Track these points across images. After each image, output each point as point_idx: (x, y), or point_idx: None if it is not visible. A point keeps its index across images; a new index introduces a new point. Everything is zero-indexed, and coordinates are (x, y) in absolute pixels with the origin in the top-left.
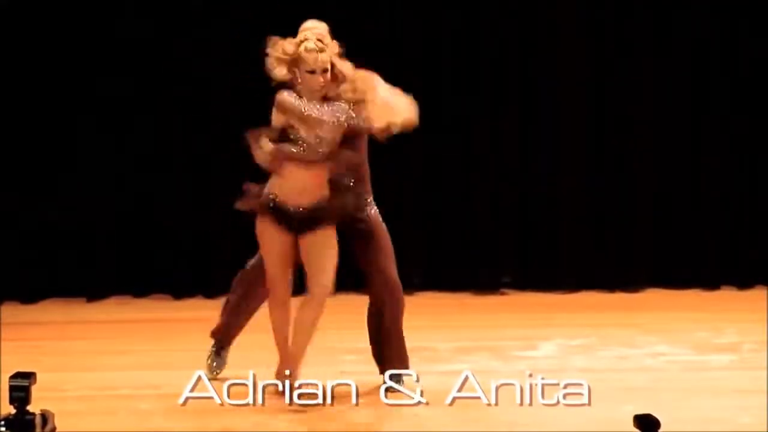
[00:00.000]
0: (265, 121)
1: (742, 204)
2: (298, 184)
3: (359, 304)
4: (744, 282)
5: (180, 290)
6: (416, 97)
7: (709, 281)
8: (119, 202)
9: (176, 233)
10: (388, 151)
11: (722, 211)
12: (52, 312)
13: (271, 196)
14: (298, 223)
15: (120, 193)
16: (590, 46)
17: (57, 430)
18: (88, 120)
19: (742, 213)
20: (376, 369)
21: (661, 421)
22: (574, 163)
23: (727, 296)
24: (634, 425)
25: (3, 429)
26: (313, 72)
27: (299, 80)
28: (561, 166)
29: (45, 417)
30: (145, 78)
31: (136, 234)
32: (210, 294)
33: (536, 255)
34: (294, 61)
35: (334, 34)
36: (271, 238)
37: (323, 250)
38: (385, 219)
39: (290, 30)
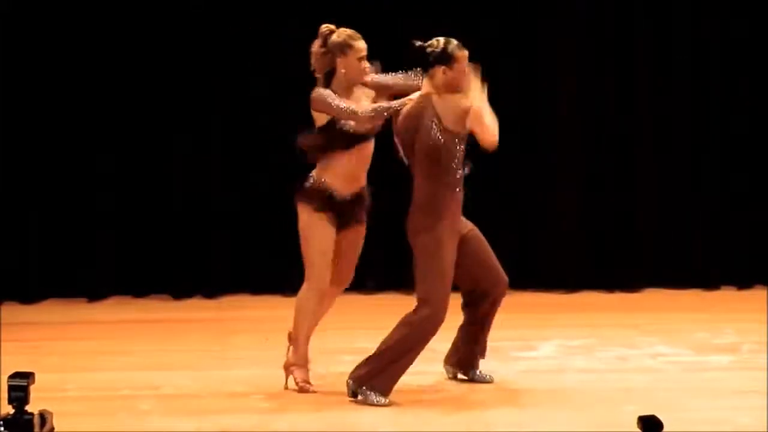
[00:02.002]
0: (258, 124)
1: (742, 204)
2: (347, 172)
3: (357, 305)
4: (743, 282)
5: (179, 290)
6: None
7: (709, 281)
8: (119, 202)
9: (176, 233)
10: (387, 152)
11: (722, 211)
12: (52, 312)
13: (324, 185)
14: (346, 212)
15: (120, 193)
16: (590, 44)
17: (56, 430)
18: (88, 120)
19: (742, 213)
20: None
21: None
22: (573, 163)
23: (726, 296)
24: (638, 426)
25: (2, 429)
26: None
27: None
28: (560, 166)
29: (44, 417)
30: (144, 79)
31: (136, 234)
32: (209, 294)
33: (536, 255)
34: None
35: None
36: (324, 229)
37: (361, 243)
38: (384, 220)
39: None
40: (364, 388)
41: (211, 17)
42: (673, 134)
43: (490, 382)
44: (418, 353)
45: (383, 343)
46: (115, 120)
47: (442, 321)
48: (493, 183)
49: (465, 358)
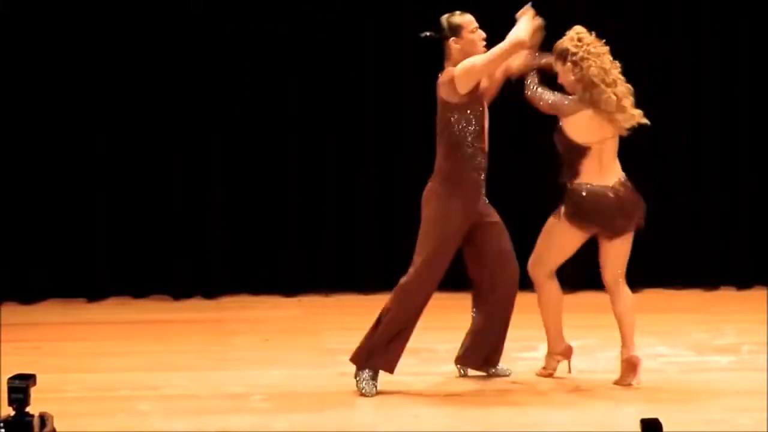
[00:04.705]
0: (258, 124)
1: (742, 204)
2: None
3: (357, 305)
4: (743, 282)
5: (179, 291)
6: (417, 100)
7: (709, 282)
8: (118, 202)
9: (176, 233)
10: (387, 154)
11: (722, 211)
12: (52, 313)
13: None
14: None
15: (119, 193)
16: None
17: (57, 431)
18: (86, 119)
19: (742, 213)
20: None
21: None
22: None
23: (726, 297)
24: (641, 429)
25: (2, 431)
26: None
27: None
28: (560, 165)
29: (44, 419)
30: (144, 79)
31: (136, 234)
32: (209, 295)
33: None
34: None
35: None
36: None
37: None
38: (381, 220)
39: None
40: (365, 371)
41: (211, 17)
42: (673, 133)
43: (508, 375)
44: (415, 322)
45: (380, 315)
46: (115, 120)
47: (428, 290)
48: (492, 183)
49: (487, 355)
